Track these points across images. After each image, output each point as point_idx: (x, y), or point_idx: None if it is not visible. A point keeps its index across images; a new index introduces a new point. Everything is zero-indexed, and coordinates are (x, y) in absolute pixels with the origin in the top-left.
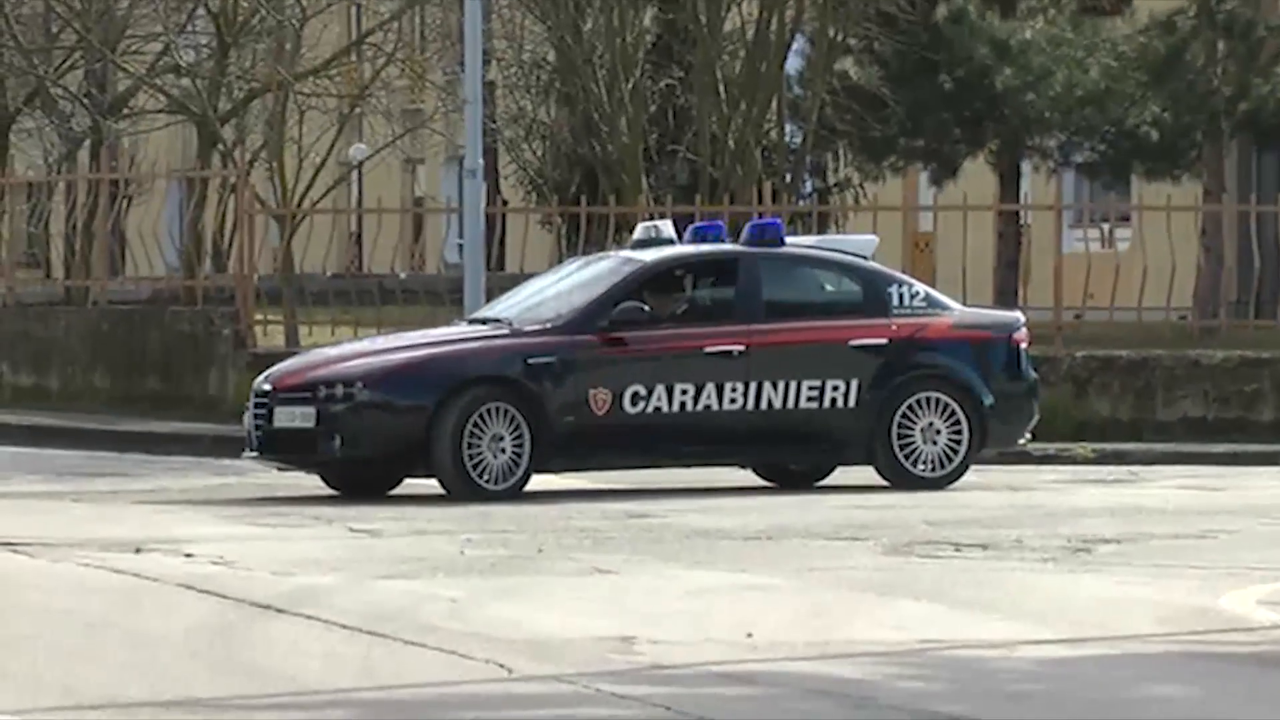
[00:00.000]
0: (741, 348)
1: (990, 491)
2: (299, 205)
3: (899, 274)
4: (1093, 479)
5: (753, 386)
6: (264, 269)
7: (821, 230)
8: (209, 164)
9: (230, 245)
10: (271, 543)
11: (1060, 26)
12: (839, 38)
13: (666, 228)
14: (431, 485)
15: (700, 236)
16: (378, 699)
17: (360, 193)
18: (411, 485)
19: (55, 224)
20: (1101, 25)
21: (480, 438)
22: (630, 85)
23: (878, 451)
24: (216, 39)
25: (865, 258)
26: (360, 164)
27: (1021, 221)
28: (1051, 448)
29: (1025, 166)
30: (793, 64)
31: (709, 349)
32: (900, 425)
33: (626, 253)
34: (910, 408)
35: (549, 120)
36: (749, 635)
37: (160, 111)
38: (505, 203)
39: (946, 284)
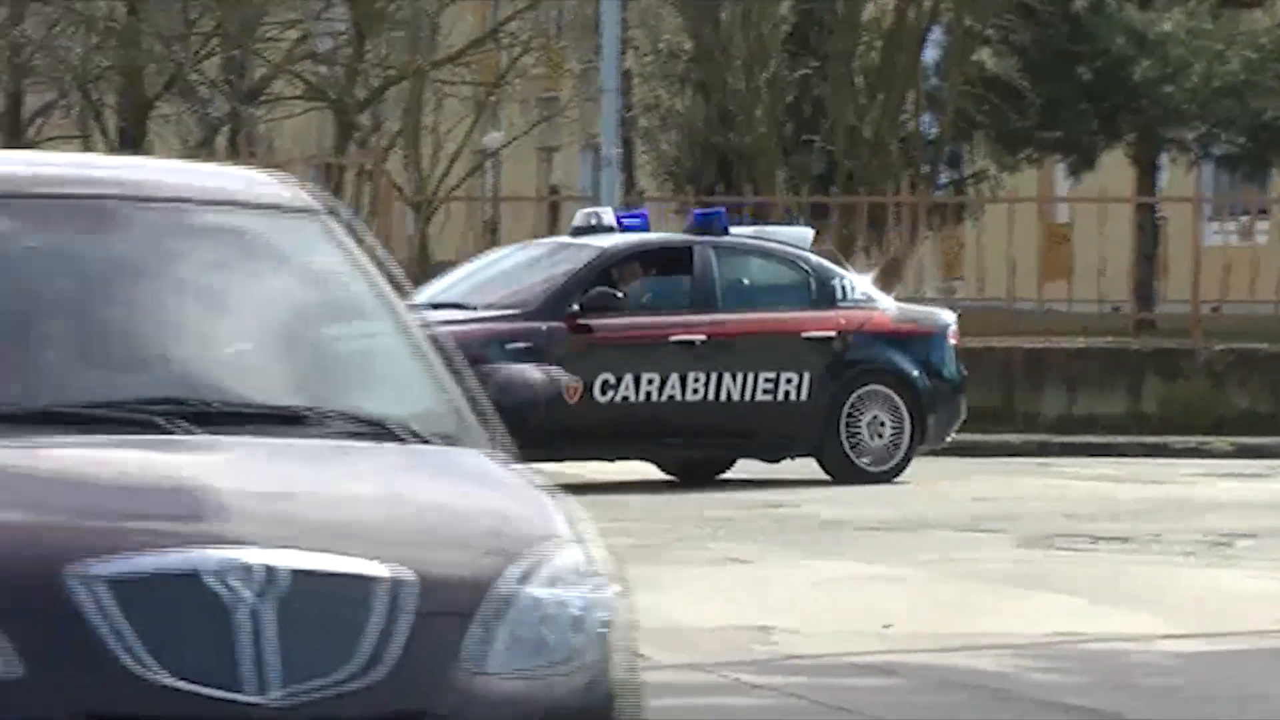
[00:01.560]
0: (703, 337)
1: (1128, 484)
2: (434, 192)
3: (840, 266)
4: (1231, 473)
5: (714, 377)
6: (401, 254)
7: (958, 222)
8: (345, 151)
9: None
10: None
11: (1199, 18)
12: (976, 28)
13: (608, 215)
14: None
15: (702, 224)
16: None
17: (496, 180)
18: None
19: None
20: (1241, 18)
21: None
22: (766, 75)
23: (825, 445)
24: (353, 26)
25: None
26: (496, 152)
27: (1158, 214)
28: (1192, 440)
29: (1163, 159)
30: (930, 55)
31: (674, 338)
32: (848, 419)
33: (564, 239)
34: (857, 401)
35: (685, 110)
36: (886, 626)
37: (297, 98)
38: (641, 192)
39: (1083, 277)
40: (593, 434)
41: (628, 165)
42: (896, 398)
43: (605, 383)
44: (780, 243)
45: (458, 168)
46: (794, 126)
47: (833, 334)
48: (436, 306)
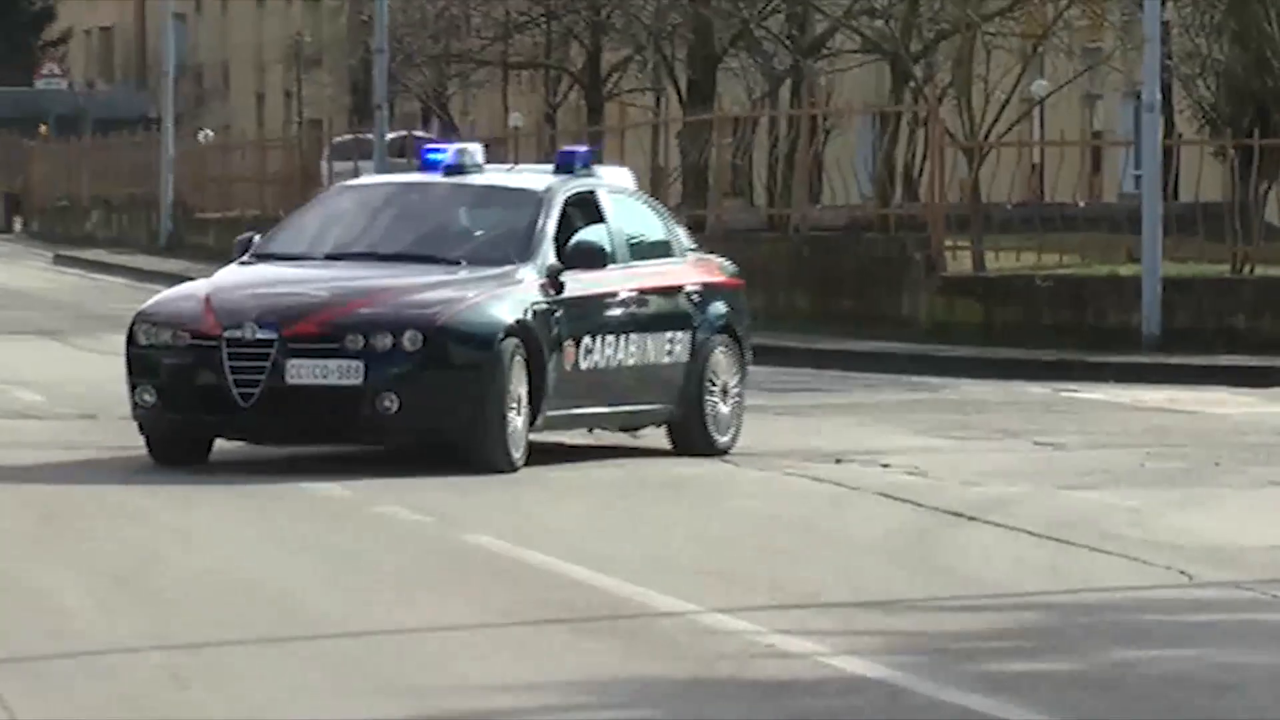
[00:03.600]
0: (632, 293)
1: None
2: (985, 138)
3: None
4: None
5: (635, 338)
6: (952, 198)
7: None
8: (900, 100)
9: (920, 176)
10: (960, 455)
11: None
12: None
13: (479, 153)
14: None
15: (566, 163)
16: (1064, 601)
17: (1042, 126)
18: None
19: (758, 156)
20: None
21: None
22: None
23: (691, 412)
24: None
25: None
26: (1042, 100)
27: None
28: None
29: None
30: None
31: (625, 294)
32: (706, 382)
33: (455, 179)
34: (712, 362)
35: (1222, 57)
36: None
37: (855, 51)
38: (1180, 136)
39: None
40: (586, 401)
41: (1167, 111)
42: (735, 358)
43: (586, 346)
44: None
45: (1006, 115)
46: None
47: (701, 288)
48: (385, 258)
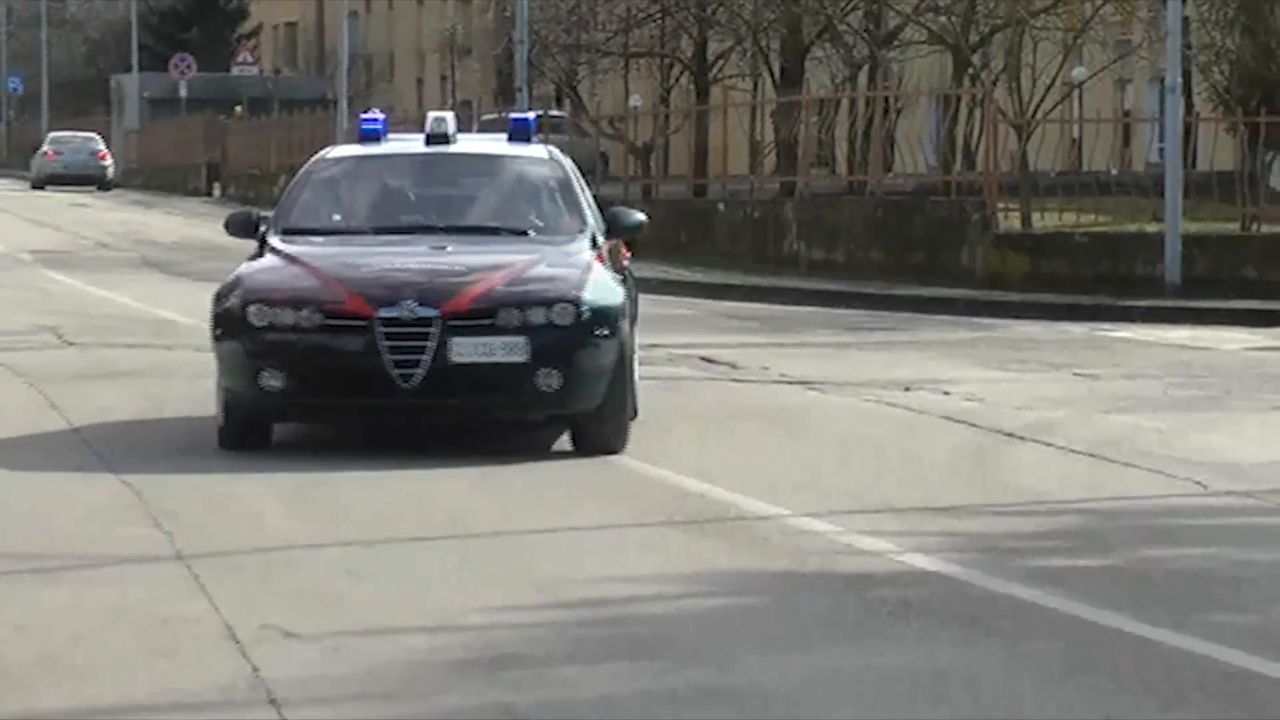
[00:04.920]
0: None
1: None
2: (1032, 117)
3: None
4: None
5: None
6: (1004, 168)
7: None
8: (961, 84)
9: (977, 149)
10: (1013, 384)
11: None
12: None
13: (452, 120)
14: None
15: (522, 130)
16: (1101, 508)
17: (1080, 106)
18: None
19: (840, 131)
20: None
21: None
22: None
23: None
24: None
25: None
26: (1081, 84)
27: None
28: None
29: None
30: None
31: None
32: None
33: (447, 149)
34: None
35: (1234, 47)
36: None
37: (923, 42)
38: (1197, 114)
39: None
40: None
41: (1186, 93)
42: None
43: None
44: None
45: (1050, 97)
46: None
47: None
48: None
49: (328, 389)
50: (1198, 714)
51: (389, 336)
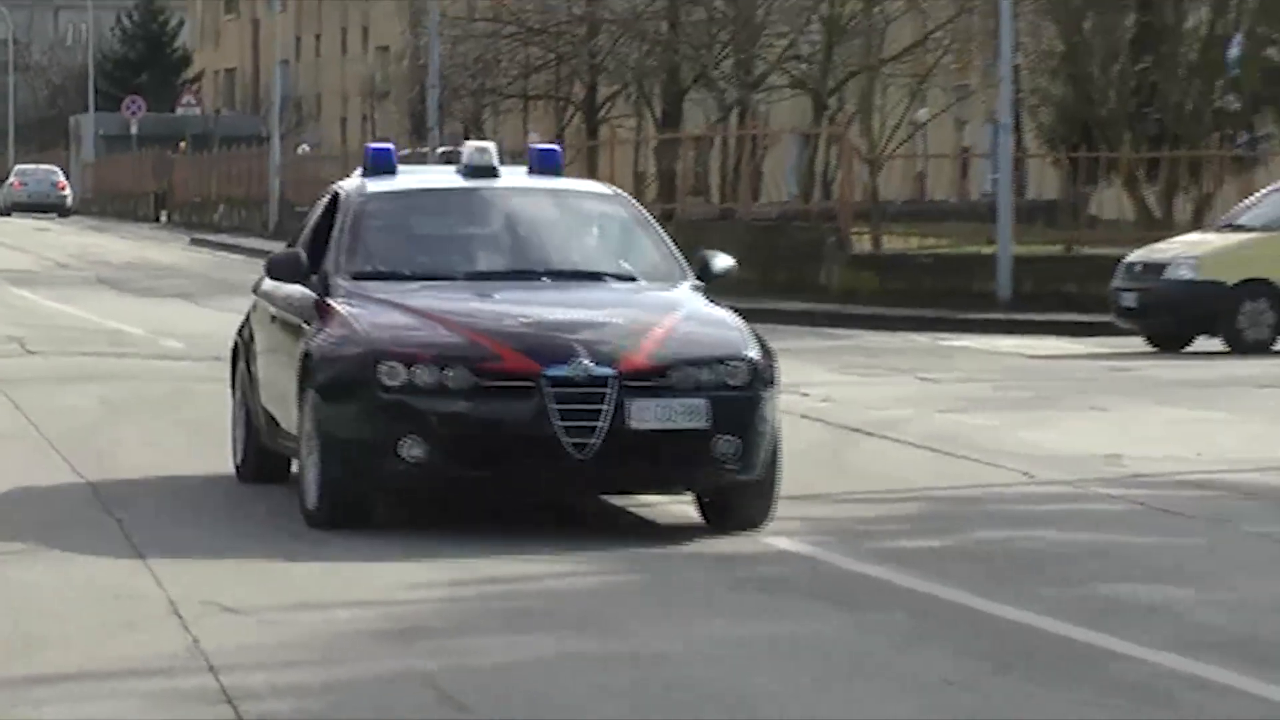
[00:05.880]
0: None
1: None
2: (882, 152)
3: None
4: None
5: None
6: (858, 197)
7: (1251, 171)
8: (820, 124)
9: (834, 180)
10: (864, 387)
11: None
12: (1267, 33)
13: (495, 153)
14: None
15: (541, 161)
16: (941, 495)
17: (925, 143)
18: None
19: (713, 165)
20: None
21: None
22: (1117, 68)
23: None
24: (825, 37)
25: None
26: (925, 124)
27: None
28: None
29: None
30: (1233, 52)
31: None
32: None
33: (474, 182)
34: None
35: (1058, 93)
36: (1198, 454)
37: (786, 87)
38: (1026, 151)
39: None
40: None
41: (1018, 132)
42: None
43: None
44: None
45: (898, 135)
46: (1136, 104)
47: None
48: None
49: (483, 459)
50: (1025, 677)
51: (559, 399)
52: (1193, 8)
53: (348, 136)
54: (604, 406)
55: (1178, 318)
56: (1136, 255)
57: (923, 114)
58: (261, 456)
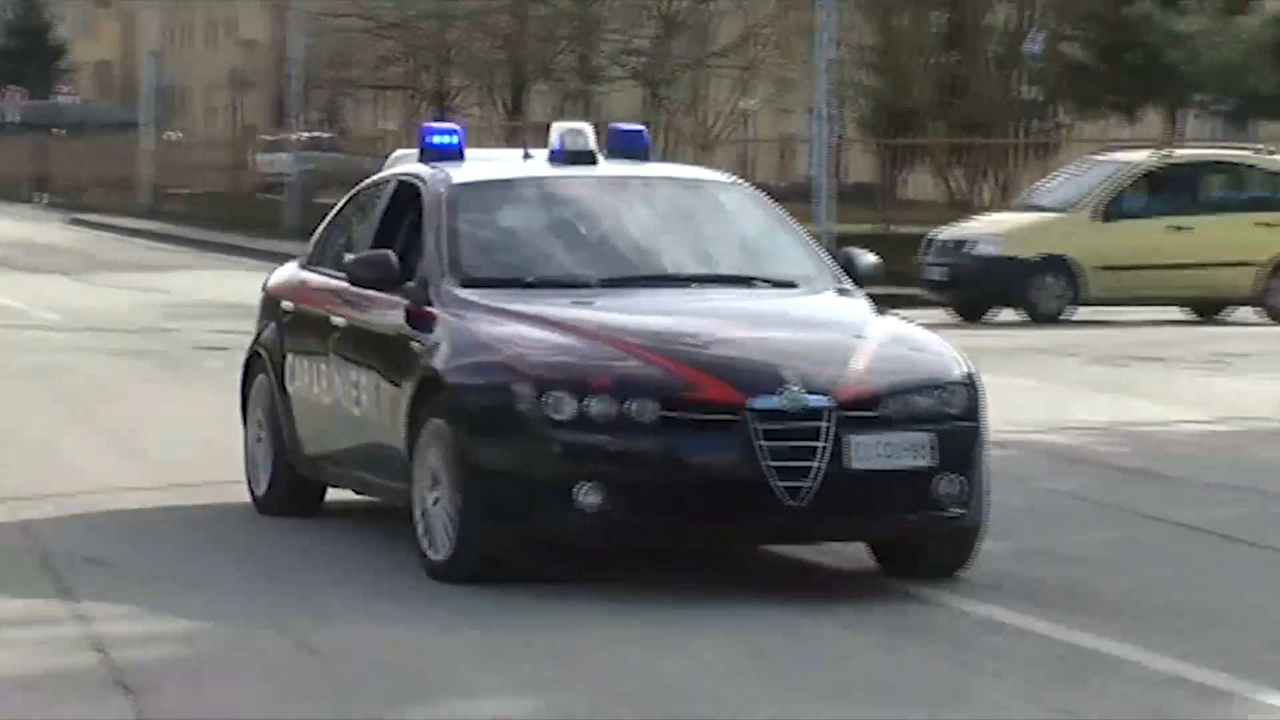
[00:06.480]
0: None
1: (1167, 328)
2: (711, 138)
3: None
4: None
5: None
6: None
7: (1051, 156)
8: (654, 112)
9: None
10: None
11: (1214, 21)
12: (1064, 29)
13: (591, 135)
14: None
15: (624, 143)
16: None
17: (753, 129)
18: None
19: None
20: (1239, 20)
21: None
22: (926, 61)
23: None
24: (662, 31)
25: None
26: (752, 113)
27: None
28: None
29: (1184, 115)
30: (1033, 47)
31: None
32: None
33: (574, 170)
34: None
35: (875, 85)
36: (1004, 418)
37: (624, 78)
38: (843, 137)
39: None
40: None
41: (839, 120)
42: None
43: None
44: None
45: (728, 122)
46: (945, 95)
47: None
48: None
49: (675, 508)
50: (847, 625)
51: (768, 435)
52: (998, 5)
53: (216, 123)
54: (820, 443)
55: (982, 290)
56: (944, 233)
57: (749, 103)
58: (294, 487)
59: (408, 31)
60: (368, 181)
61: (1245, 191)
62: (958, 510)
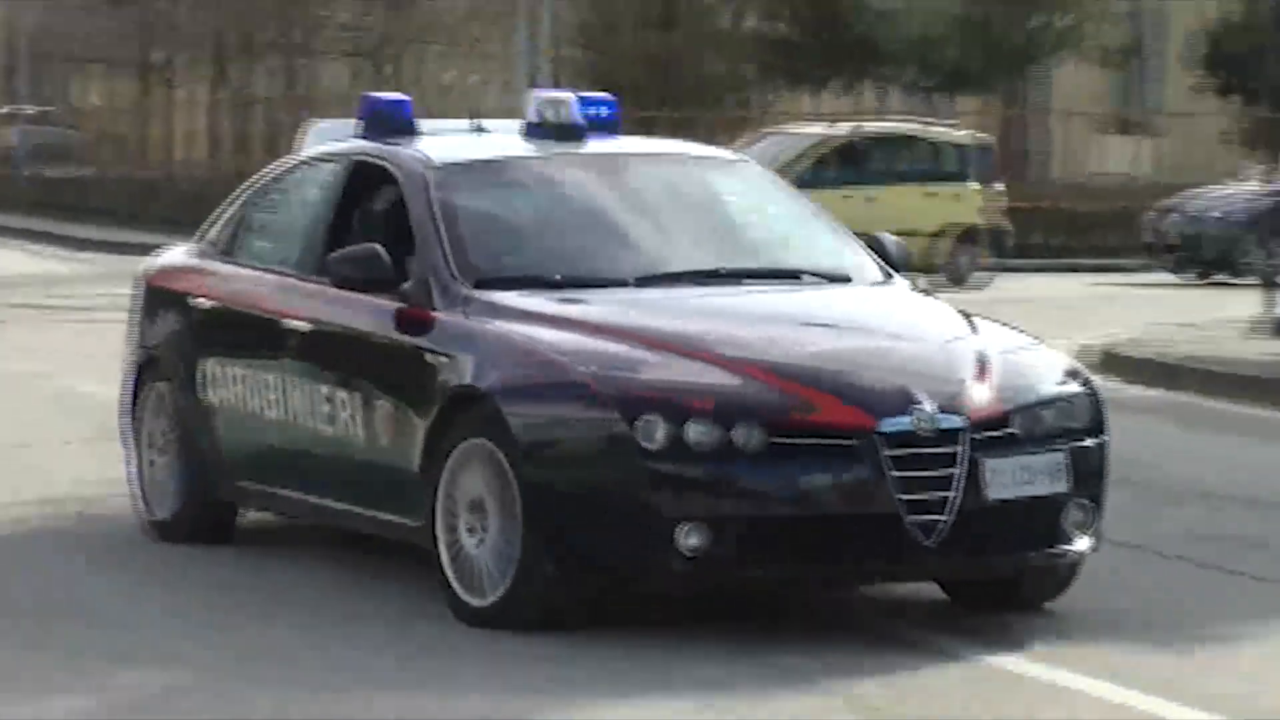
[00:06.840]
0: None
1: None
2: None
3: None
4: None
5: None
6: None
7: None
8: (377, 86)
9: None
10: None
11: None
12: (772, 6)
13: (575, 106)
14: None
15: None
16: None
17: (477, 106)
18: None
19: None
20: None
21: None
22: (638, 38)
23: None
24: (378, 9)
25: None
26: (468, 90)
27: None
28: None
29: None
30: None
31: None
32: None
33: (565, 147)
34: None
35: (593, 60)
36: None
37: (341, 54)
38: None
39: None
40: None
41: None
42: None
43: None
44: None
45: (444, 98)
46: (660, 73)
47: None
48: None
49: (792, 551)
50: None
51: (897, 463)
52: None
53: None
54: (956, 470)
55: None
56: None
57: (472, 80)
58: (208, 510)
59: (138, 7)
60: (290, 161)
61: (921, 164)
62: (1085, 543)
